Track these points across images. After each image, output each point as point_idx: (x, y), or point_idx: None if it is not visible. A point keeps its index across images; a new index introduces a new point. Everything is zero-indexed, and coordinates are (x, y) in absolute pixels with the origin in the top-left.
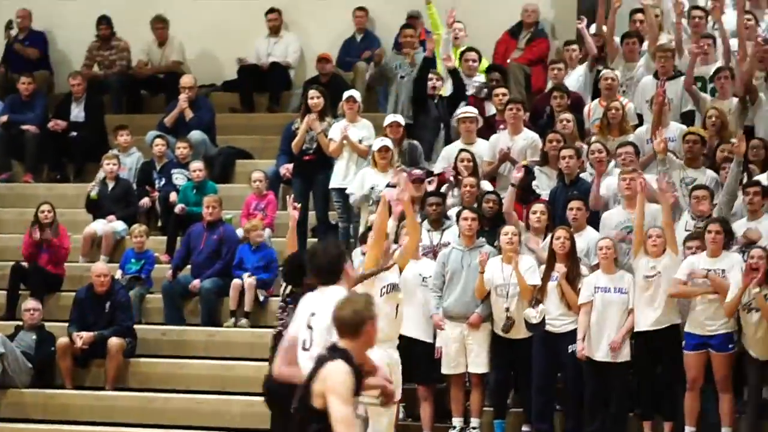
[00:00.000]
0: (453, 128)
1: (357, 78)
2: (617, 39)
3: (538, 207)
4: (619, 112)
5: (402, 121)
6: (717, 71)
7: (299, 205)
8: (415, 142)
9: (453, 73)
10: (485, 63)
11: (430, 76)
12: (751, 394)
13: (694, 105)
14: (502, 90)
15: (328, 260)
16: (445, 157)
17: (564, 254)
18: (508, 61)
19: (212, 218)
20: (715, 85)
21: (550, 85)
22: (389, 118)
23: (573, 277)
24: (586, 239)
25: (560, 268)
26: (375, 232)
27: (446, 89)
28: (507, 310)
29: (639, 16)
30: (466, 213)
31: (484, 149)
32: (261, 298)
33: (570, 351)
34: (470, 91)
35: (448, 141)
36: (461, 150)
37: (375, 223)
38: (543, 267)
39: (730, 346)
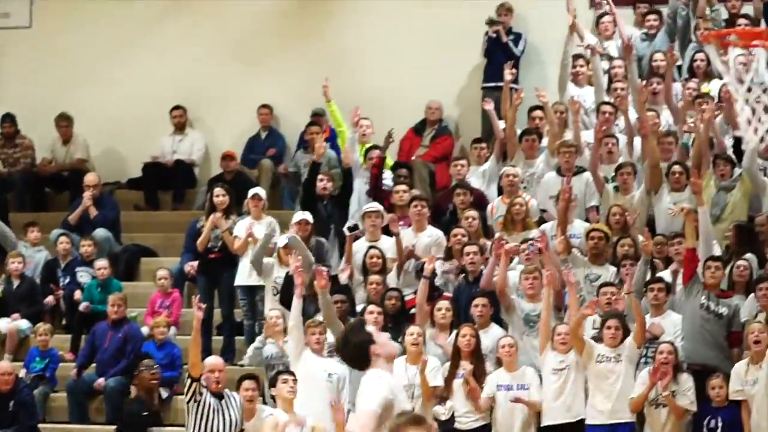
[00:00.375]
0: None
1: (262, 175)
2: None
3: (442, 304)
4: (523, 208)
5: (310, 218)
6: (619, 167)
7: (204, 306)
8: (322, 239)
9: (346, 171)
10: (390, 160)
11: (320, 177)
12: None
13: (598, 193)
14: (402, 187)
15: (352, 350)
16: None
17: (469, 351)
18: (413, 158)
19: (117, 316)
20: (617, 180)
21: (454, 182)
22: (297, 216)
23: (479, 375)
24: (491, 336)
25: (466, 365)
26: None
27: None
28: (412, 410)
29: (537, 113)
30: (371, 308)
31: (389, 246)
32: (164, 396)
33: None
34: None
35: (340, 240)
36: (370, 247)
37: None
38: (448, 364)
39: None
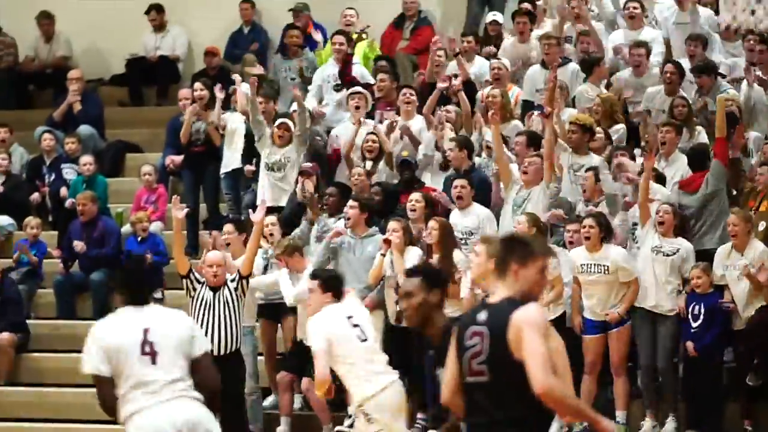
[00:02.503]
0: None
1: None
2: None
3: (414, 196)
4: (497, 99)
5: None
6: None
7: (185, 206)
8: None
9: None
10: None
11: None
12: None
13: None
14: (381, 75)
15: None
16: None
17: (435, 243)
18: (396, 51)
19: (86, 217)
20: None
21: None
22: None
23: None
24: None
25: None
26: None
27: None
28: (397, 302)
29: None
30: (351, 202)
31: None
32: (158, 296)
33: None
34: None
35: None
36: (368, 132)
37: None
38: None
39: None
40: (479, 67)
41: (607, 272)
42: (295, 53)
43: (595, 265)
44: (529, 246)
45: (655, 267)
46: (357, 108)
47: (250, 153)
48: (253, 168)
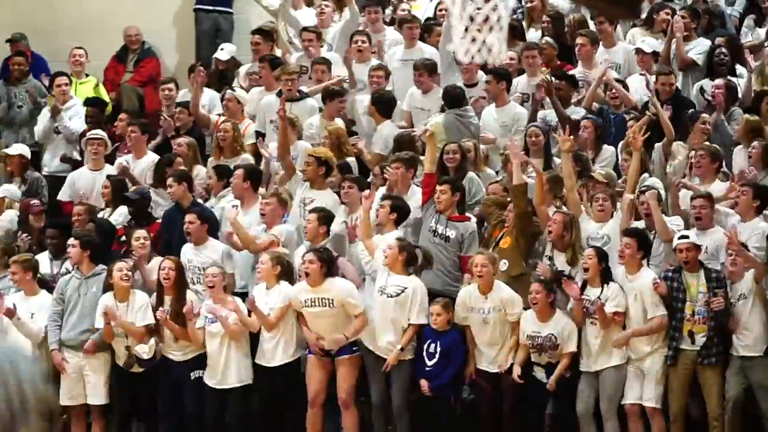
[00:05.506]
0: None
1: None
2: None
3: (140, 233)
4: (229, 133)
5: (26, 152)
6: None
7: None
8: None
9: None
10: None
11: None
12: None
13: None
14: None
15: None
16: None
17: (169, 286)
18: (120, 84)
19: None
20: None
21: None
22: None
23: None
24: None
25: (167, 301)
26: None
27: None
28: (127, 348)
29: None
30: (72, 240)
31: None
32: None
33: (192, 377)
34: None
35: None
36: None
37: None
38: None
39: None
40: (209, 98)
41: (331, 305)
42: (20, 80)
43: (318, 299)
44: None
45: (383, 308)
46: (95, 154)
47: None
48: None
